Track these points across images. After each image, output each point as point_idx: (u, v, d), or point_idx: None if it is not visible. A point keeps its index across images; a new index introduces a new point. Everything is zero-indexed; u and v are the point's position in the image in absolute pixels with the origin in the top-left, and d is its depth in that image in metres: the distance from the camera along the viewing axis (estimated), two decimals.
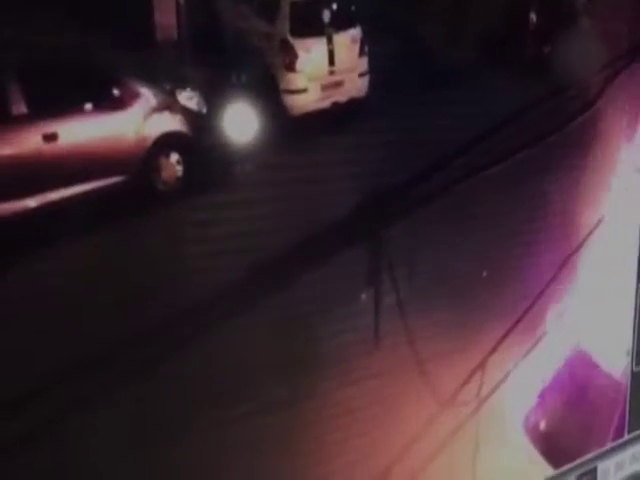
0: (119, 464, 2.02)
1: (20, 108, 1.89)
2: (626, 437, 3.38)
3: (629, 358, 3.34)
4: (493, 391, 2.90)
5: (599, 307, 3.25)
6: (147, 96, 2.12)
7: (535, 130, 2.81)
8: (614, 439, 3.34)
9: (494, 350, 2.88)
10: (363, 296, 2.52)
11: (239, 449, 2.32)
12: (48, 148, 1.95)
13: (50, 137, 1.96)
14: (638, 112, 3.07)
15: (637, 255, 3.30)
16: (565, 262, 3.16)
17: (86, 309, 1.94)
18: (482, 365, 2.84)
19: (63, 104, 1.99)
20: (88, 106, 2.03)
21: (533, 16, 2.86)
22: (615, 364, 3.32)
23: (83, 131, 2.03)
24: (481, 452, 2.91)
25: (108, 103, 2.06)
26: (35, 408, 1.82)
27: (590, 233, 3.23)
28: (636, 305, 3.34)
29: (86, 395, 1.91)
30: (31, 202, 1.90)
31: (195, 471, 2.23)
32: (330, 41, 2.35)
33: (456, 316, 2.81)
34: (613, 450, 3.34)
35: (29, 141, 1.92)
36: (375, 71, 2.44)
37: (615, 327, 3.32)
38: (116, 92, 2.07)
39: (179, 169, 2.18)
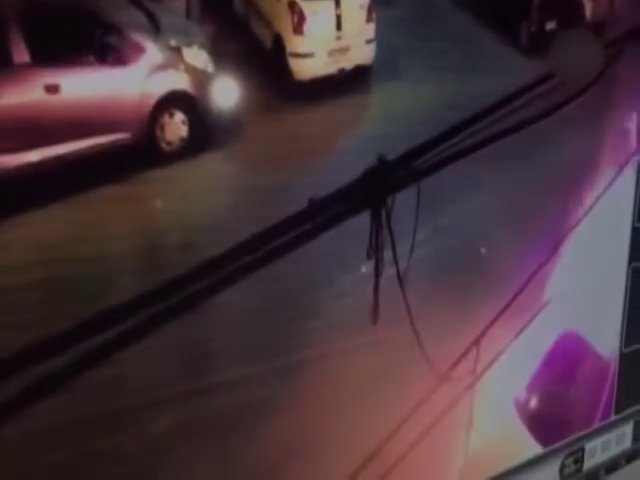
0: None
1: (22, 57, 1.82)
2: (613, 418, 3.42)
3: (618, 339, 3.37)
4: (487, 368, 2.90)
5: (591, 288, 3.27)
6: (153, 52, 2.05)
7: (536, 107, 2.80)
8: (601, 419, 3.37)
9: (489, 327, 2.88)
10: (364, 268, 2.49)
11: (232, 417, 2.28)
12: (50, 100, 1.88)
13: (52, 88, 1.88)
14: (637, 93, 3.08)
15: (628, 236, 3.33)
16: (559, 243, 3.17)
17: (88, 265, 1.88)
18: (477, 341, 2.83)
19: (66, 56, 1.92)
20: (92, 59, 1.96)
21: None
22: (605, 345, 3.34)
23: (86, 85, 1.96)
24: (474, 428, 2.91)
25: (112, 57, 2.00)
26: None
27: (584, 215, 3.25)
28: (626, 286, 3.37)
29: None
30: (33, 156, 1.84)
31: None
32: (338, 5, 2.31)
33: (453, 292, 2.80)
34: (600, 430, 3.37)
35: (31, 91, 1.84)
36: (382, 37, 2.40)
37: (606, 308, 3.34)
38: (120, 46, 2.01)
39: (184, 129, 2.12)
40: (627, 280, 3.35)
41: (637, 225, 3.34)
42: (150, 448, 2.04)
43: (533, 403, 3.19)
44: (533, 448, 3.17)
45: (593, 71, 2.87)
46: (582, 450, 3.31)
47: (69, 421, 1.87)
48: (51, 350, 1.75)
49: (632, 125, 3.27)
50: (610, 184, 3.27)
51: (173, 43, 2.09)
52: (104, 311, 1.81)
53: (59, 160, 1.88)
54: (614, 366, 3.36)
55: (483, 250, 2.87)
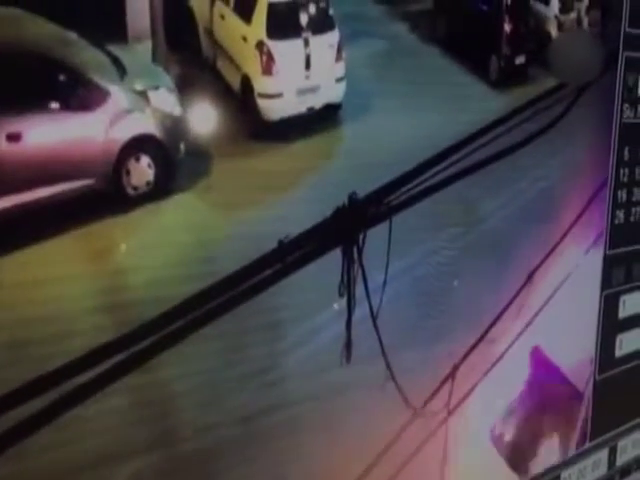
0: None
1: None
2: (587, 445, 3.43)
3: (592, 367, 3.38)
4: (462, 401, 2.89)
5: (564, 317, 3.28)
6: (118, 97, 2.02)
7: (512, 137, 2.81)
8: (577, 447, 3.38)
9: (463, 360, 2.87)
10: (336, 306, 2.48)
11: (213, 460, 2.25)
12: (11, 149, 1.84)
13: (14, 137, 1.85)
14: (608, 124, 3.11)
15: (600, 264, 3.35)
16: (532, 273, 3.19)
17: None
18: (452, 375, 2.83)
19: (29, 103, 1.89)
20: (55, 106, 1.93)
21: (507, 27, 2.87)
22: (578, 373, 3.35)
23: (49, 132, 1.93)
24: (449, 461, 2.90)
25: (76, 103, 1.97)
26: None
27: (556, 244, 3.27)
28: (599, 315, 3.38)
29: None
30: None
31: None
32: (307, 44, 2.30)
33: (427, 326, 2.79)
34: (576, 458, 3.37)
35: None
36: (352, 77, 2.41)
37: (579, 337, 3.35)
38: (85, 92, 1.98)
39: (150, 173, 2.09)
40: (600, 308, 3.37)
41: (609, 253, 3.36)
42: None
43: (509, 433, 3.19)
44: (510, 478, 3.17)
45: (592, 71, 2.87)
46: (558, 478, 3.31)
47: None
48: (11, 401, 1.70)
49: (599, 156, 3.30)
50: (581, 214, 3.30)
51: (139, 87, 2.07)
52: (67, 363, 1.77)
53: (21, 208, 1.84)
54: (588, 393, 3.37)
55: (456, 283, 2.87)
